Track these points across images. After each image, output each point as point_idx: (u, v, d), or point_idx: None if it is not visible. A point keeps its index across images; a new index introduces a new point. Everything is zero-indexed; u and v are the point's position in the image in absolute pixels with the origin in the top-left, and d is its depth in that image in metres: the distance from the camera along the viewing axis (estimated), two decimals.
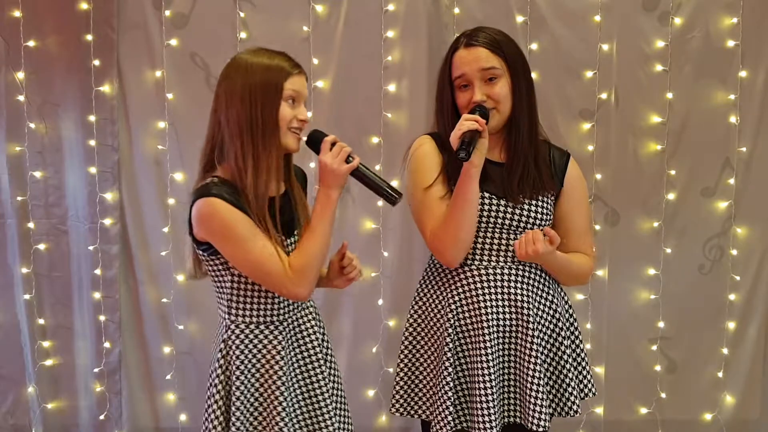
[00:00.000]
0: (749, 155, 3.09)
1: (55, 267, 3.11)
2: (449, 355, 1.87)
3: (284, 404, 1.76)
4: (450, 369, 1.87)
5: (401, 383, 1.99)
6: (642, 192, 3.09)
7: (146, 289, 3.12)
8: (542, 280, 1.92)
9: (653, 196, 3.09)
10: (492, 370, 1.84)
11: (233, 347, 1.80)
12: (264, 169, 1.67)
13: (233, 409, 1.78)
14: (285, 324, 1.81)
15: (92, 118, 3.03)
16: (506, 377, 1.91)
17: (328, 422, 1.83)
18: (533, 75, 2.95)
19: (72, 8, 2.98)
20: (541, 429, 1.84)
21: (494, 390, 1.85)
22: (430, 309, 1.96)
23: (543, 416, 1.84)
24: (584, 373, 2.03)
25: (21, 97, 3.03)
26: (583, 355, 2.03)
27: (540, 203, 1.89)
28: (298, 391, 1.83)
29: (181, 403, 3.15)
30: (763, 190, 3.10)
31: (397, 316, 3.12)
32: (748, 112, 3.06)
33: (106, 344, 3.12)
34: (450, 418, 1.86)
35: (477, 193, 1.79)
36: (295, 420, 1.81)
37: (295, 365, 1.83)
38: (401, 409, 1.99)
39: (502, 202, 1.87)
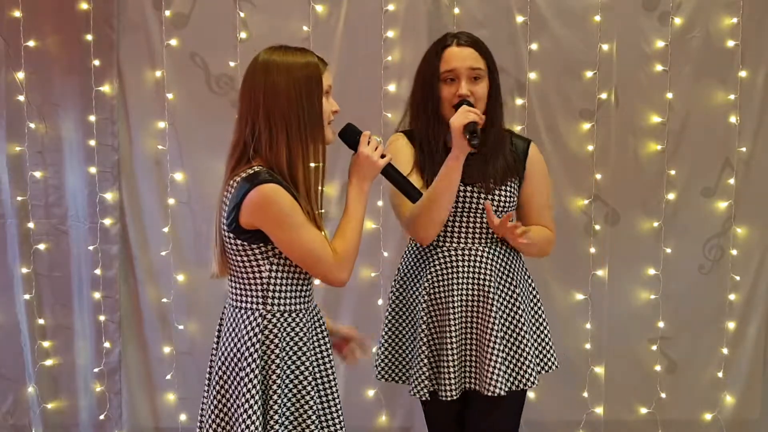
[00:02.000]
0: (749, 155, 3.09)
1: (55, 267, 3.12)
2: (424, 327, 2.07)
3: (310, 390, 1.83)
4: (425, 339, 2.07)
5: (384, 352, 2.19)
6: (642, 192, 3.09)
7: (146, 289, 3.12)
8: (505, 261, 2.09)
9: (653, 196, 3.09)
10: (455, 339, 2.04)
11: (271, 335, 1.82)
12: (314, 160, 1.76)
13: (269, 399, 1.79)
14: (307, 311, 1.88)
15: (92, 118, 3.03)
16: (467, 347, 2.07)
17: (337, 412, 1.89)
18: (533, 75, 3.01)
19: (72, 8, 2.98)
20: (495, 394, 2.00)
21: (455, 356, 2.04)
22: (408, 285, 2.16)
23: (498, 383, 2.00)
24: (547, 348, 2.18)
25: (21, 97, 3.03)
26: (546, 332, 2.18)
27: (507, 188, 2.07)
28: (319, 379, 1.89)
29: (181, 403, 3.15)
30: (763, 190, 3.10)
31: None
32: (748, 112, 3.06)
33: (106, 344, 3.12)
34: (426, 381, 2.05)
35: (459, 177, 1.94)
36: (317, 407, 1.87)
37: (317, 352, 1.89)
38: (386, 376, 2.19)
39: (474, 189, 2.04)
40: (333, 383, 1.90)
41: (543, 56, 3.01)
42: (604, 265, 3.10)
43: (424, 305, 2.08)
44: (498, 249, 2.08)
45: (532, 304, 2.17)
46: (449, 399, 2.04)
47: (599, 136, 3.05)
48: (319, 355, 1.89)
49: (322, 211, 1.87)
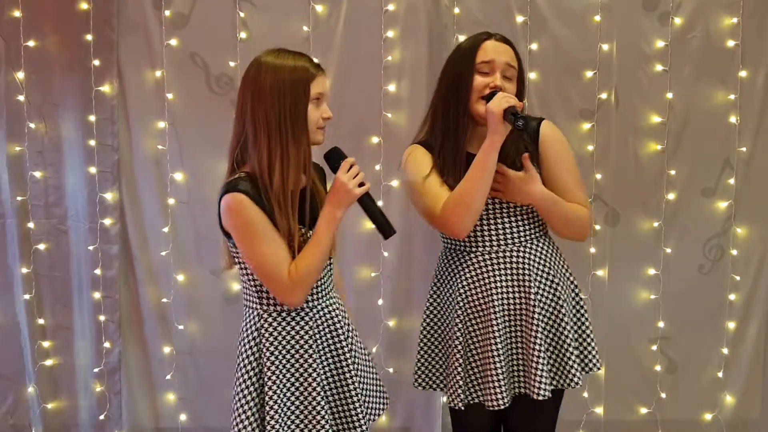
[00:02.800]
0: (749, 155, 3.09)
1: (55, 267, 3.12)
2: (458, 334, 2.02)
3: (318, 389, 1.83)
4: (459, 346, 2.02)
5: (421, 360, 2.17)
6: (642, 192, 3.09)
7: (146, 289, 3.12)
8: (544, 258, 2.05)
9: (653, 196, 3.09)
10: (500, 345, 1.98)
11: (266, 335, 1.84)
12: (293, 164, 1.76)
13: (267, 398, 1.81)
14: (314, 311, 1.87)
15: (92, 118, 3.03)
16: (513, 351, 2.03)
17: (358, 409, 1.89)
18: (533, 75, 3.01)
19: (72, 8, 2.98)
20: (542, 398, 1.97)
21: (503, 363, 1.99)
22: (444, 291, 2.12)
23: (543, 386, 1.97)
24: (588, 348, 2.12)
25: (21, 97, 3.03)
26: (588, 331, 2.13)
27: None
28: (330, 378, 1.89)
29: (181, 403, 3.15)
30: (763, 190, 3.10)
31: (397, 316, 3.12)
32: (748, 112, 3.06)
33: (106, 344, 3.12)
34: (460, 391, 2.02)
35: (495, 164, 1.90)
36: (328, 407, 1.87)
37: (326, 352, 1.89)
38: (424, 384, 2.18)
39: None
40: (350, 380, 1.88)
41: (543, 56, 3.01)
42: (604, 265, 3.10)
43: (459, 311, 2.03)
44: (535, 245, 2.04)
45: (574, 303, 2.12)
46: (499, 408, 1.99)
47: (599, 136, 3.05)
48: (329, 354, 1.88)
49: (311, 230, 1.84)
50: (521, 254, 2.01)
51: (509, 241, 2.02)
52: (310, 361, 1.84)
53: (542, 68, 3.02)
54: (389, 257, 3.09)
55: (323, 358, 1.88)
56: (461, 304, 2.03)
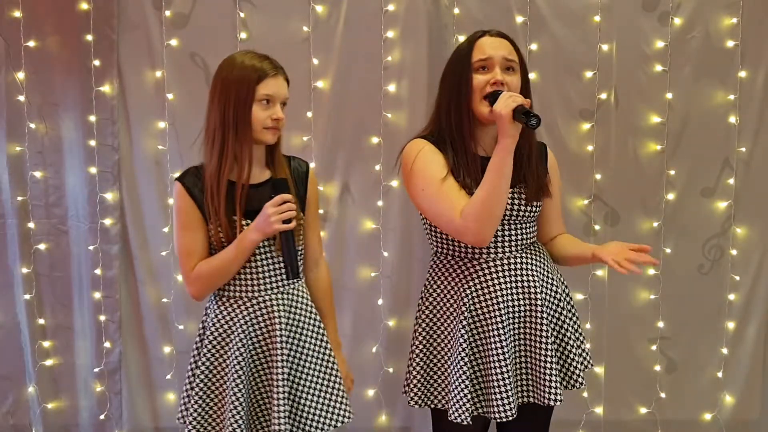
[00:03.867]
0: (749, 155, 3.09)
1: (56, 267, 3.12)
2: (465, 345, 1.95)
3: (234, 377, 1.89)
4: (466, 358, 1.95)
5: (417, 376, 2.05)
6: (642, 192, 3.09)
7: (146, 289, 3.12)
8: (546, 266, 2.03)
9: (653, 196, 3.09)
10: (507, 355, 1.93)
11: (208, 316, 1.98)
12: (230, 159, 1.86)
13: (195, 375, 1.96)
14: (254, 302, 1.93)
15: (92, 118, 3.03)
16: (520, 360, 1.99)
17: (281, 411, 1.90)
18: (533, 75, 3.01)
19: (72, 8, 2.98)
20: (555, 403, 1.96)
21: (510, 373, 1.94)
22: (442, 302, 2.02)
23: (556, 391, 1.94)
24: (583, 347, 2.13)
25: (21, 97, 3.03)
26: (580, 330, 2.13)
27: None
28: (256, 372, 1.95)
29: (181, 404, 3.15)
30: (763, 190, 3.10)
31: (397, 316, 3.12)
32: (748, 112, 3.06)
33: (106, 344, 3.12)
34: (468, 405, 1.94)
35: (511, 168, 1.81)
36: (243, 398, 1.91)
37: (255, 345, 1.94)
38: (419, 401, 2.06)
39: (513, 194, 1.96)
40: (277, 381, 1.90)
41: (543, 56, 3.02)
42: (604, 265, 3.10)
43: (464, 322, 1.96)
44: (536, 254, 2.02)
45: (571, 306, 2.11)
46: (506, 420, 1.94)
47: (599, 136, 3.05)
48: (258, 347, 1.93)
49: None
50: (525, 260, 1.98)
51: (513, 248, 1.98)
52: (234, 349, 1.91)
53: (542, 68, 3.02)
54: (389, 257, 3.09)
55: (249, 349, 1.92)
56: (466, 314, 1.96)
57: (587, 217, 3.09)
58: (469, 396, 1.94)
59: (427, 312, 2.06)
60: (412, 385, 2.06)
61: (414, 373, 2.06)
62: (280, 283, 1.96)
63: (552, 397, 1.94)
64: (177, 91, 3.03)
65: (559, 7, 3.00)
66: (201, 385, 1.95)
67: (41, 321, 3.13)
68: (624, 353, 3.16)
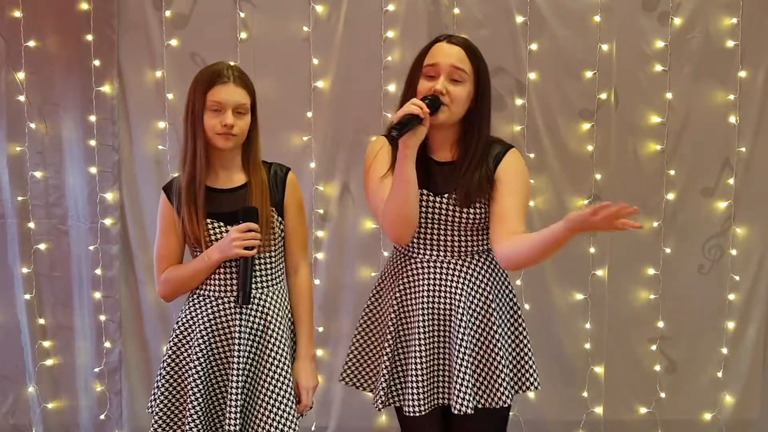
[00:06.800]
0: (749, 155, 3.09)
1: (56, 267, 3.12)
2: (389, 337, 2.01)
3: (192, 373, 1.96)
4: (388, 349, 2.00)
5: (352, 358, 2.14)
6: (642, 192, 3.09)
7: (146, 289, 3.12)
8: (480, 276, 1.99)
9: (653, 196, 3.09)
10: (423, 353, 1.96)
11: (179, 313, 2.07)
12: (189, 162, 1.95)
13: (162, 368, 2.05)
14: (218, 302, 2.00)
15: (92, 118, 3.03)
16: (438, 361, 2.00)
17: (232, 411, 1.95)
18: (533, 75, 3.01)
19: (72, 8, 2.98)
20: (462, 412, 1.92)
21: (425, 371, 1.96)
22: (383, 294, 2.10)
23: (465, 400, 1.92)
24: (525, 367, 2.04)
25: (21, 97, 3.03)
26: (526, 350, 2.05)
27: (480, 203, 1.94)
28: (211, 370, 2.00)
29: None
30: (763, 190, 3.10)
31: None
32: (748, 112, 3.06)
33: (106, 344, 3.12)
34: (383, 393, 2.00)
35: (413, 174, 1.84)
36: (199, 393, 1.97)
37: (212, 345, 1.99)
38: (348, 380, 2.15)
39: (443, 200, 1.94)
40: (233, 382, 1.94)
41: (543, 56, 3.02)
42: (604, 265, 3.10)
43: (392, 315, 2.02)
44: (471, 262, 1.99)
45: (511, 321, 2.05)
46: (414, 415, 1.95)
47: (599, 136, 3.05)
48: (202, 346, 1.98)
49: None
50: (457, 267, 1.97)
51: (448, 253, 1.97)
52: (195, 345, 1.97)
53: (542, 68, 3.02)
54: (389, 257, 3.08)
55: (209, 346, 1.98)
56: (395, 307, 2.01)
57: None
58: (384, 385, 2.00)
59: (372, 301, 2.14)
60: (345, 366, 2.15)
61: (349, 353, 2.15)
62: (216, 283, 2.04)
63: (459, 405, 1.92)
64: (177, 91, 3.03)
65: (559, 7, 3.00)
66: (166, 377, 2.04)
67: (41, 321, 3.13)
68: (624, 353, 3.16)
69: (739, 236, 3.13)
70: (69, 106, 3.04)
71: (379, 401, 2.01)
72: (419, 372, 1.96)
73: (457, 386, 1.93)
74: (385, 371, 2.00)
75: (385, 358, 2.00)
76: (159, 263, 2.05)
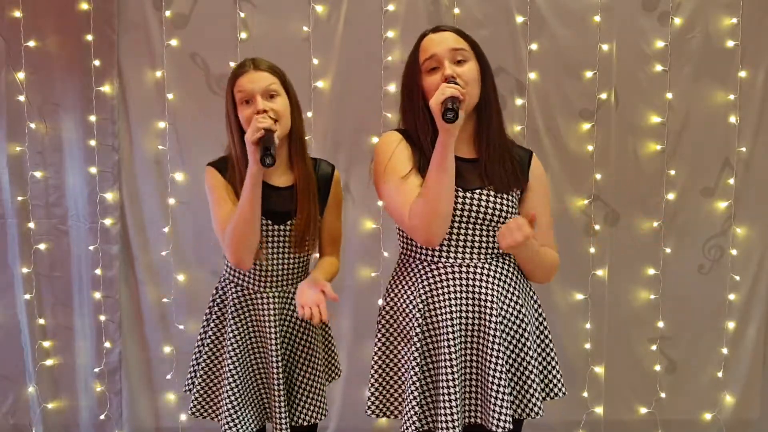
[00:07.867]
0: (749, 155, 3.09)
1: (56, 267, 3.12)
2: (416, 354, 1.83)
3: (230, 350, 1.98)
4: (417, 369, 1.83)
5: (376, 384, 1.97)
6: (642, 192, 3.09)
7: (146, 289, 3.12)
8: (510, 280, 1.87)
9: (653, 196, 3.09)
10: (455, 371, 1.80)
11: (215, 296, 2.07)
12: (235, 156, 1.94)
13: (203, 342, 2.08)
14: (241, 287, 2.01)
15: (92, 118, 3.03)
16: (469, 377, 1.86)
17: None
18: (533, 75, 3.01)
19: (72, 8, 2.98)
20: (504, 430, 1.79)
21: (457, 391, 1.81)
22: (400, 308, 1.91)
23: (504, 418, 1.79)
24: (553, 372, 1.96)
25: (21, 97, 3.03)
26: (552, 354, 1.97)
27: (509, 198, 1.85)
28: (245, 351, 2.02)
29: (181, 403, 3.15)
30: (763, 190, 3.11)
31: None
32: (748, 112, 3.06)
33: (106, 344, 3.12)
34: (415, 418, 1.82)
35: (453, 163, 1.71)
36: (235, 371, 2.00)
37: (234, 326, 2.01)
38: (377, 411, 1.97)
39: (474, 197, 1.82)
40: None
41: (543, 56, 3.02)
42: (604, 265, 3.10)
43: (417, 329, 1.83)
44: (499, 264, 1.85)
45: (536, 324, 1.94)
46: None
47: (599, 136, 3.05)
48: (236, 332, 2.00)
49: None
50: (485, 270, 1.83)
51: (475, 255, 1.83)
52: (229, 324, 1.99)
53: (542, 68, 3.02)
54: (389, 257, 3.09)
55: (243, 328, 2.01)
56: (420, 320, 1.84)
57: (587, 217, 3.09)
58: (417, 409, 1.83)
59: (387, 317, 1.94)
60: (370, 393, 1.97)
61: (372, 381, 1.97)
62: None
63: (498, 423, 1.78)
64: (177, 91, 3.03)
65: (559, 7, 3.00)
66: (204, 357, 2.04)
67: (41, 321, 3.13)
68: (624, 353, 3.16)
69: (739, 236, 3.13)
70: (69, 106, 3.04)
71: (413, 427, 1.82)
72: (452, 392, 1.79)
73: (497, 406, 1.79)
74: (416, 393, 1.83)
75: (414, 378, 1.83)
76: (222, 228, 1.89)
